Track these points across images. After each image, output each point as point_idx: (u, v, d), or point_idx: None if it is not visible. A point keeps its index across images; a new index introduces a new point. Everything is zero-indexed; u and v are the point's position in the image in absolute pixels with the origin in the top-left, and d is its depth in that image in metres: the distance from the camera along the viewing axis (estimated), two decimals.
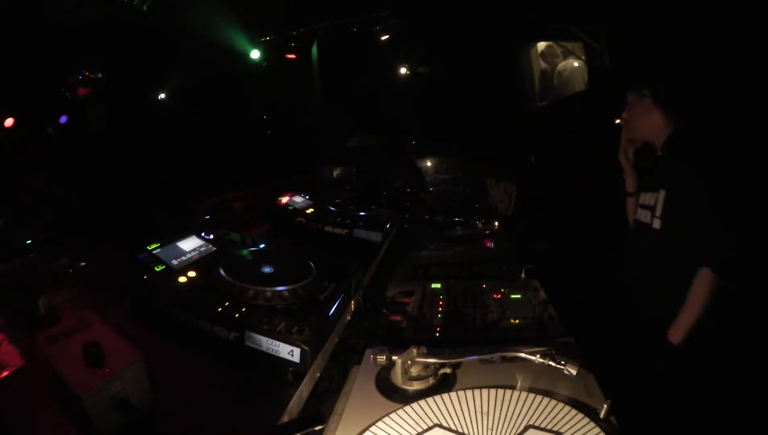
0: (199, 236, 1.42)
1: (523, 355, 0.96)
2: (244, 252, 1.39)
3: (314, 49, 5.24)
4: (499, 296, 1.50)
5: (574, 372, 0.91)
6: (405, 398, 0.93)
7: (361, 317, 1.42)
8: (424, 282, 1.64)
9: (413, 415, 0.85)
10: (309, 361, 0.99)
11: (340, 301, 1.25)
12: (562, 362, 0.92)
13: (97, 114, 4.85)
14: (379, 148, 4.65)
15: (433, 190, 4.35)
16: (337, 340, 1.22)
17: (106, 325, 0.93)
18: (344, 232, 2.00)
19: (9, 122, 4.12)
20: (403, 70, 5.55)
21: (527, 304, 1.43)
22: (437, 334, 1.28)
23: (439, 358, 0.97)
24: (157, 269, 1.20)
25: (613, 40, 3.93)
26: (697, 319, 1.56)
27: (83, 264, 1.48)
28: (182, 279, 1.17)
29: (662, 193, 1.70)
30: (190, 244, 1.36)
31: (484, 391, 0.88)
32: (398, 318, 1.40)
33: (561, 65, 4.76)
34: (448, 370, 1.00)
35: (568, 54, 4.66)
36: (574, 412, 0.82)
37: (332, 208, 2.31)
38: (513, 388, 0.91)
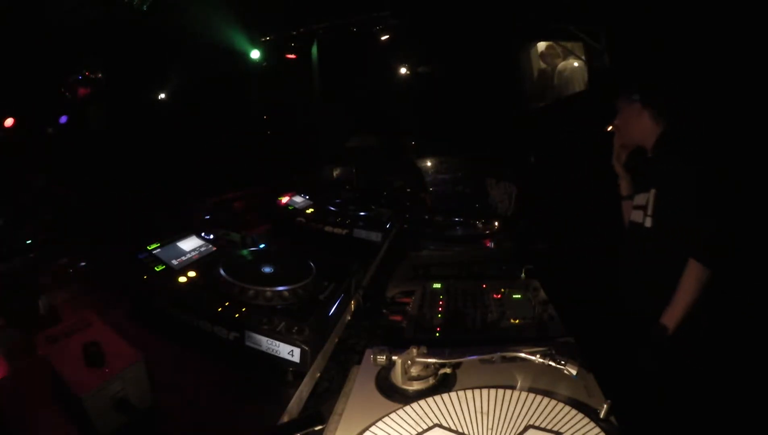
0: (199, 236, 1.42)
1: (523, 355, 0.96)
2: (244, 252, 1.39)
3: (314, 49, 5.24)
4: (499, 296, 1.50)
5: (574, 372, 0.91)
6: (405, 398, 0.93)
7: (361, 317, 1.42)
8: (424, 282, 1.64)
9: (413, 415, 0.85)
10: (309, 361, 0.99)
11: (340, 301, 1.25)
12: (562, 362, 0.92)
13: (97, 114, 4.85)
14: (379, 148, 4.65)
15: (433, 190, 4.35)
16: (337, 340, 1.22)
17: (106, 325, 0.93)
18: (344, 232, 2.00)
19: (9, 122, 4.12)
20: (403, 70, 5.55)
21: (527, 304, 1.43)
22: (437, 334, 1.28)
23: (439, 358, 0.97)
24: (157, 269, 1.20)
25: (613, 40, 3.93)
26: (687, 308, 1.61)
27: (83, 264, 1.48)
28: (182, 279, 1.17)
29: (652, 192, 1.76)
30: (190, 244, 1.36)
31: (484, 391, 0.88)
32: (398, 318, 1.40)
33: (561, 65, 4.76)
34: (448, 370, 1.00)
35: (568, 54, 4.66)
36: (574, 412, 0.82)
37: (332, 208, 2.31)
38: (513, 388, 0.91)
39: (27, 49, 3.65)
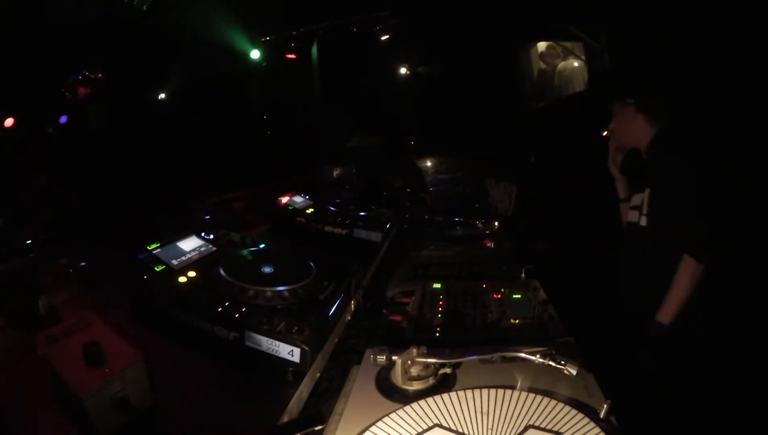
0: (199, 236, 1.42)
1: (523, 355, 0.96)
2: (244, 252, 1.39)
3: (314, 49, 5.24)
4: (499, 296, 1.50)
5: (574, 372, 0.91)
6: (405, 398, 0.93)
7: (361, 317, 1.42)
8: (424, 282, 1.64)
9: (413, 415, 0.85)
10: (309, 361, 0.99)
11: (340, 301, 1.25)
12: (562, 362, 0.92)
13: (97, 114, 4.85)
14: (379, 148, 4.65)
15: (433, 190, 4.35)
16: (337, 340, 1.22)
17: (106, 325, 0.93)
18: (344, 232, 2.00)
19: (9, 122, 4.12)
20: (403, 70, 5.55)
21: (527, 304, 1.43)
22: (437, 334, 1.28)
23: (439, 358, 0.97)
24: (157, 269, 1.20)
25: (613, 40, 3.93)
26: (682, 303, 1.64)
27: (83, 264, 1.48)
28: (182, 279, 1.17)
29: (647, 192, 1.80)
30: (190, 244, 1.36)
31: (484, 391, 0.88)
32: (398, 318, 1.40)
33: (561, 65, 4.76)
34: (448, 370, 1.00)
35: (568, 54, 4.65)
36: (574, 412, 0.82)
37: (332, 208, 2.31)
38: (513, 388, 0.91)
39: (27, 49, 3.65)
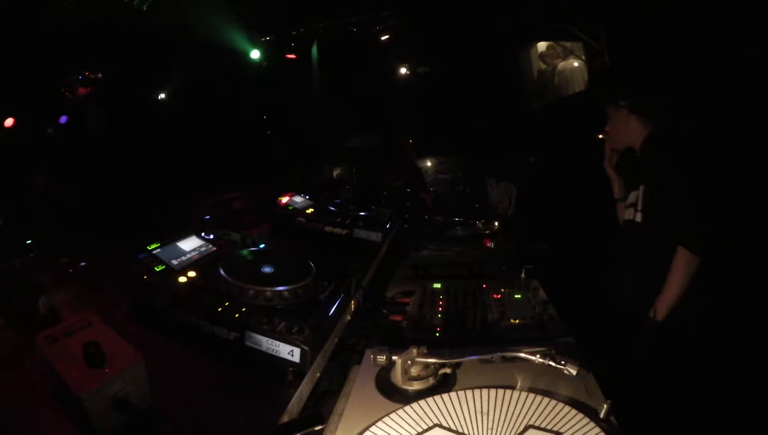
0: (199, 236, 1.42)
1: (523, 355, 0.96)
2: (244, 252, 1.39)
3: (314, 49, 5.25)
4: (499, 296, 1.50)
5: (574, 372, 0.91)
6: (405, 398, 0.93)
7: (361, 317, 1.42)
8: (424, 282, 1.64)
9: (413, 415, 0.85)
10: (309, 361, 0.99)
11: (340, 301, 1.25)
12: (562, 362, 0.92)
13: (97, 114, 4.85)
14: (379, 148, 4.65)
15: (433, 190, 4.35)
16: (337, 340, 1.22)
17: (106, 325, 0.93)
18: (344, 232, 2.00)
19: (9, 122, 4.12)
20: (403, 70, 5.55)
21: (527, 304, 1.43)
22: (437, 334, 1.28)
23: (439, 358, 0.97)
24: (157, 269, 1.20)
25: (613, 40, 3.94)
26: (678, 295, 1.66)
27: (83, 264, 1.48)
28: (182, 279, 1.17)
29: (641, 189, 1.84)
30: (190, 244, 1.36)
31: (484, 391, 0.88)
32: (398, 318, 1.40)
33: (561, 65, 4.76)
34: (448, 370, 1.00)
35: (568, 54, 4.66)
36: (574, 412, 0.82)
37: (332, 208, 2.31)
38: (513, 388, 0.91)
39: (27, 50, 3.65)
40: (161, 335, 1.10)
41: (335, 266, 1.36)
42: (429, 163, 4.66)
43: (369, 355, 1.04)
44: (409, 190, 3.94)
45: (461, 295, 1.52)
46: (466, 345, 1.03)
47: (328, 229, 2.02)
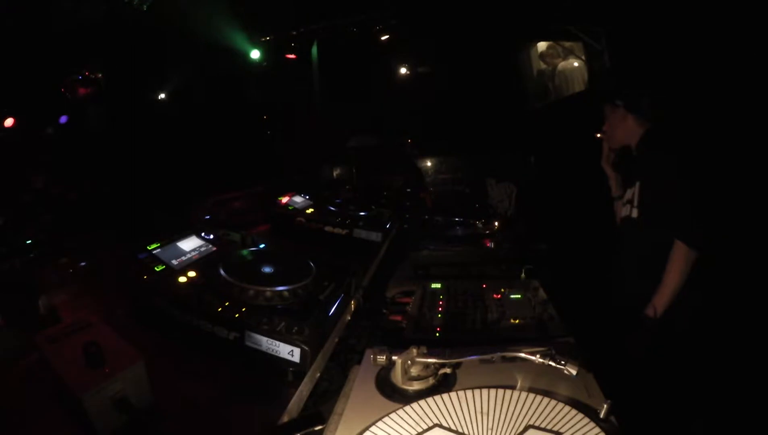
0: (199, 236, 1.42)
1: (523, 355, 0.96)
2: (244, 252, 1.39)
3: (314, 49, 5.25)
4: (499, 296, 1.49)
5: (574, 372, 0.90)
6: (405, 398, 0.93)
7: (361, 317, 1.42)
8: (424, 282, 1.64)
9: (413, 415, 0.85)
10: (309, 361, 0.99)
11: (340, 301, 1.25)
12: (562, 362, 0.92)
13: (97, 114, 4.86)
14: (379, 148, 4.65)
15: (433, 190, 4.35)
16: (337, 340, 1.22)
17: (106, 325, 0.93)
18: (344, 232, 2.00)
19: (9, 122, 4.12)
20: (403, 70, 5.55)
21: (527, 304, 1.43)
22: (437, 334, 1.28)
23: (439, 358, 0.97)
24: (157, 269, 1.20)
25: (613, 40, 3.94)
26: (675, 289, 1.68)
27: (83, 264, 1.48)
28: (182, 279, 1.17)
29: (637, 185, 1.87)
30: (190, 244, 1.36)
31: (484, 391, 0.88)
32: (398, 318, 1.40)
33: (561, 65, 4.76)
34: (448, 370, 1.00)
35: (568, 54, 4.66)
36: (574, 412, 0.82)
37: (332, 208, 2.31)
38: (513, 388, 0.91)
39: (27, 50, 3.65)
40: (161, 335, 1.10)
41: (335, 266, 1.36)
42: (429, 163, 4.66)
43: (369, 355, 1.03)
44: (409, 190, 3.94)
45: (461, 295, 1.51)
46: (466, 345, 1.03)
47: (328, 229, 2.02)
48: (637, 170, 1.90)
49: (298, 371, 0.99)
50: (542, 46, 4.78)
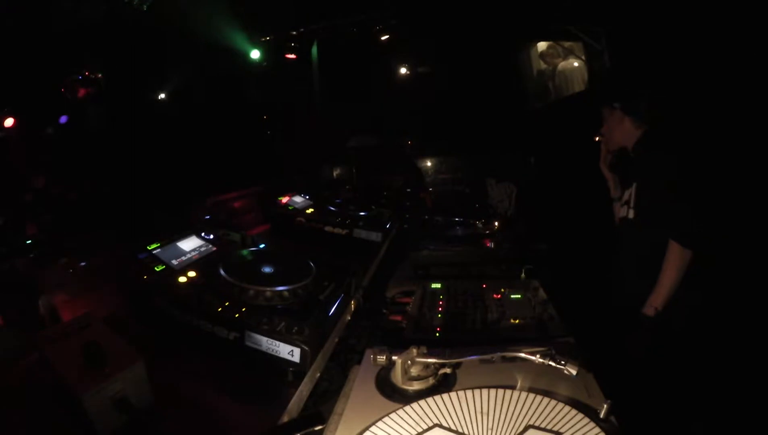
0: (199, 236, 1.42)
1: (523, 355, 0.96)
2: (244, 252, 1.39)
3: (314, 49, 5.25)
4: (499, 296, 1.49)
5: (574, 372, 0.90)
6: (405, 398, 0.93)
7: (361, 317, 1.42)
8: (424, 282, 1.64)
9: (413, 415, 0.85)
10: (309, 361, 0.99)
11: (340, 301, 1.25)
12: (562, 362, 0.92)
13: (97, 114, 4.86)
14: (379, 148, 4.65)
15: (433, 190, 4.35)
16: (337, 340, 1.22)
17: (106, 325, 0.93)
18: (344, 232, 2.00)
19: (9, 122, 4.12)
20: (403, 70, 5.55)
21: (527, 304, 1.43)
22: (437, 334, 1.28)
23: (439, 358, 0.97)
24: (157, 269, 1.20)
25: (613, 40, 3.94)
26: (671, 289, 1.70)
27: (83, 264, 1.48)
28: (182, 279, 1.17)
29: (634, 186, 1.90)
30: (190, 244, 1.36)
31: (484, 391, 0.88)
32: (398, 318, 1.40)
33: (561, 65, 4.76)
34: (448, 370, 1.00)
35: (568, 54, 4.66)
36: (574, 412, 0.82)
37: (332, 208, 2.31)
38: (513, 388, 0.91)
39: (27, 50, 3.65)
40: (161, 335, 1.10)
41: (335, 266, 1.36)
42: (429, 163, 4.66)
43: (369, 355, 1.03)
44: (409, 190, 3.94)
45: (461, 295, 1.51)
46: (466, 345, 1.03)
47: (328, 229, 2.02)
48: (634, 172, 1.93)
49: (298, 371, 0.99)
50: (542, 46, 4.78)
